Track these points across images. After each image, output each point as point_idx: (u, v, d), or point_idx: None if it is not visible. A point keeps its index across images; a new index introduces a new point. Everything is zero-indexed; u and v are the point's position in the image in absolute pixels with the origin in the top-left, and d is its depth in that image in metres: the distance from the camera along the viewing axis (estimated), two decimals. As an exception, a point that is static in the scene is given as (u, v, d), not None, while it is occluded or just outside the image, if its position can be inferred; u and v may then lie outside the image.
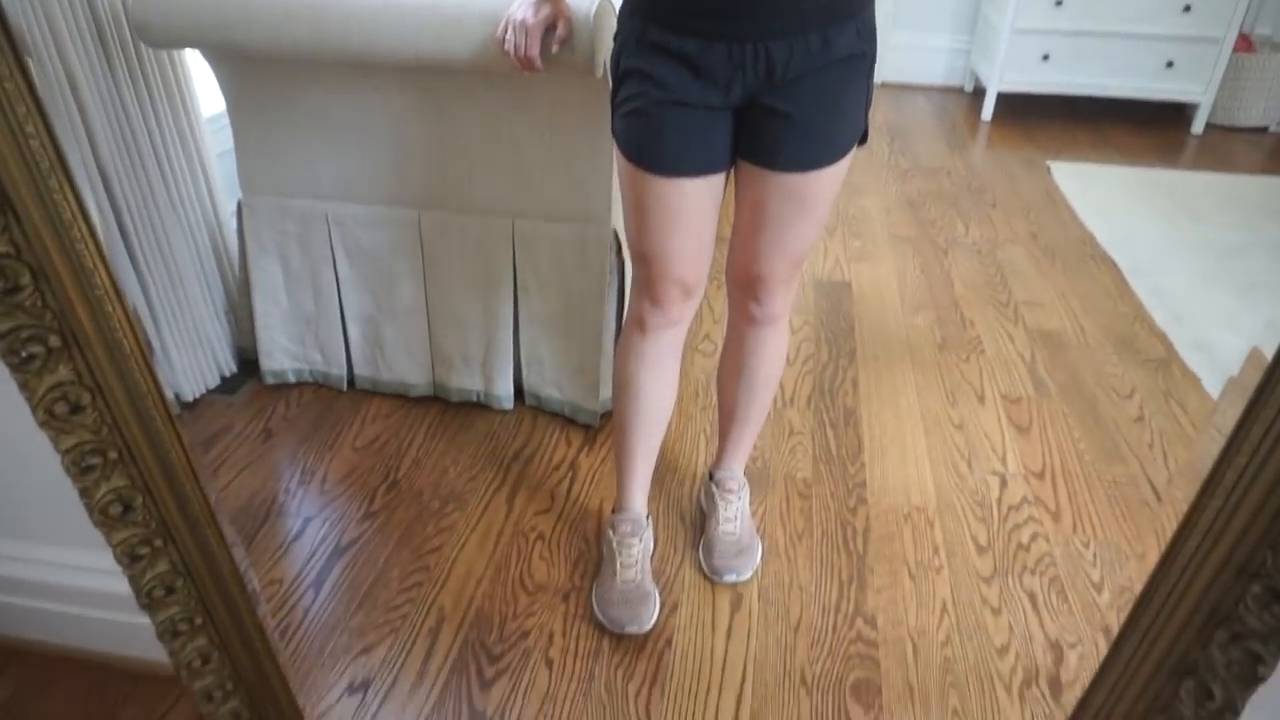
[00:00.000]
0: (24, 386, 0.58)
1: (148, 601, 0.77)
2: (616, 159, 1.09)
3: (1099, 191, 2.71)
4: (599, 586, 1.29)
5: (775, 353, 1.27)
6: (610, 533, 1.32)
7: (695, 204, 1.06)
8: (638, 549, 1.30)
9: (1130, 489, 1.57)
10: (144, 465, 0.66)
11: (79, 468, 0.63)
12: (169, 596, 0.79)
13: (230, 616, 0.83)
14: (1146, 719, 0.76)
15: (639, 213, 1.08)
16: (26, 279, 0.53)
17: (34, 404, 0.57)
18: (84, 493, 0.65)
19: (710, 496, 1.39)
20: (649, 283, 1.14)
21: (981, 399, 1.78)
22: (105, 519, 0.67)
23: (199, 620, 0.81)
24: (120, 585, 1.05)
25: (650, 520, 1.37)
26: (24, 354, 0.56)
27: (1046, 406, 1.77)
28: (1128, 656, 0.77)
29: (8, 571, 1.14)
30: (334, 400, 1.70)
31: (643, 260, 1.12)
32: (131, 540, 0.71)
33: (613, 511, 1.35)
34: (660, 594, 1.31)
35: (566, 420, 1.66)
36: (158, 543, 0.75)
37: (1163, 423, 1.73)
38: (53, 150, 0.49)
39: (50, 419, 0.58)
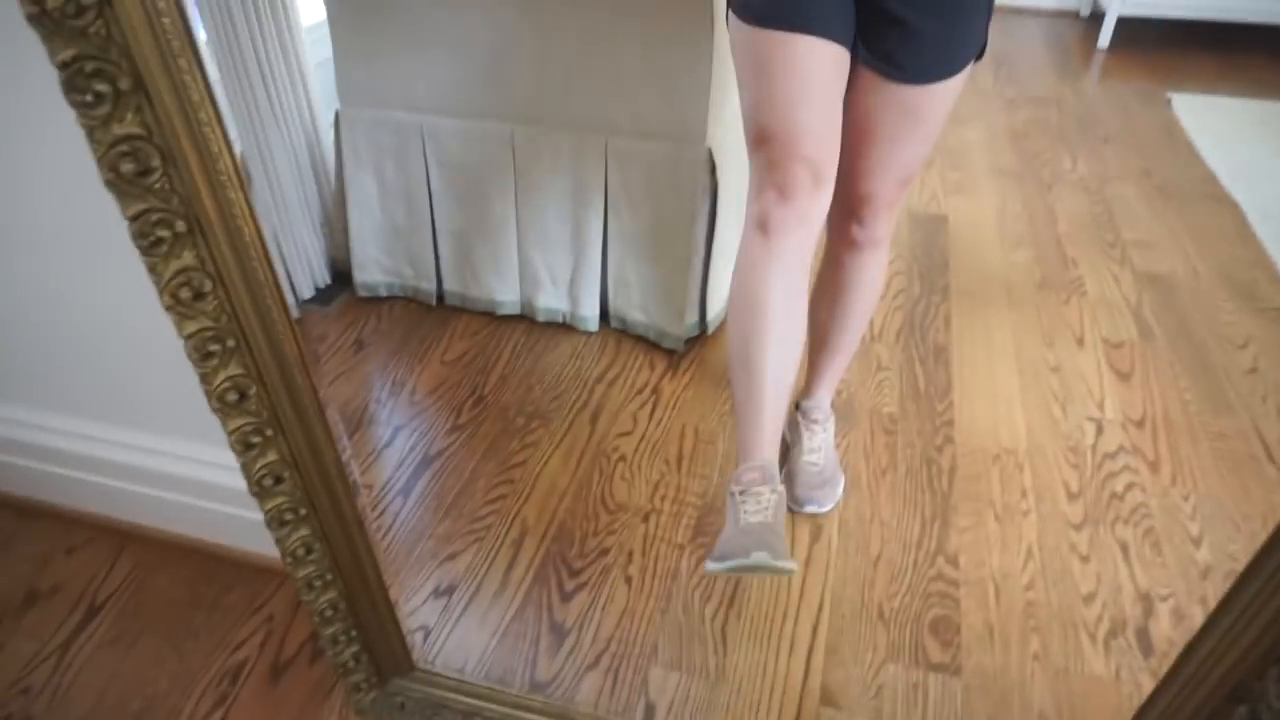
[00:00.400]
0: (152, 270, 0.59)
1: (258, 489, 0.80)
2: (734, 37, 1.02)
3: (1224, 126, 2.53)
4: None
5: (874, 279, 1.23)
6: (733, 486, 1.09)
7: (827, 70, 0.98)
8: (768, 496, 1.06)
9: (1238, 443, 1.49)
10: (259, 355, 0.67)
11: (200, 354, 0.65)
12: (277, 486, 0.82)
13: (333, 508, 0.86)
14: (1234, 696, 0.74)
15: (764, 81, 0.99)
16: (156, 161, 0.54)
17: (161, 287, 0.59)
18: (203, 379, 0.67)
19: (795, 426, 1.38)
20: (774, 166, 1.02)
21: (1081, 342, 1.71)
22: (222, 405, 0.69)
23: (304, 511, 0.85)
24: (231, 479, 1.10)
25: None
26: (153, 237, 0.57)
27: (1151, 353, 1.69)
28: (1228, 623, 0.74)
29: (129, 460, 1.21)
30: (423, 315, 1.73)
31: (766, 140, 1.02)
32: (245, 429, 0.73)
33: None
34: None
35: (651, 345, 1.65)
36: (269, 432, 0.77)
37: (1279, 376, 1.63)
38: (183, 30, 0.49)
39: (175, 303, 0.60)
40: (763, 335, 1.08)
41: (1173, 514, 1.36)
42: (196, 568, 1.27)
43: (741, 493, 1.07)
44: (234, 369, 0.67)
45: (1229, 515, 1.36)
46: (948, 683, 1.13)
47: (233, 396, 0.69)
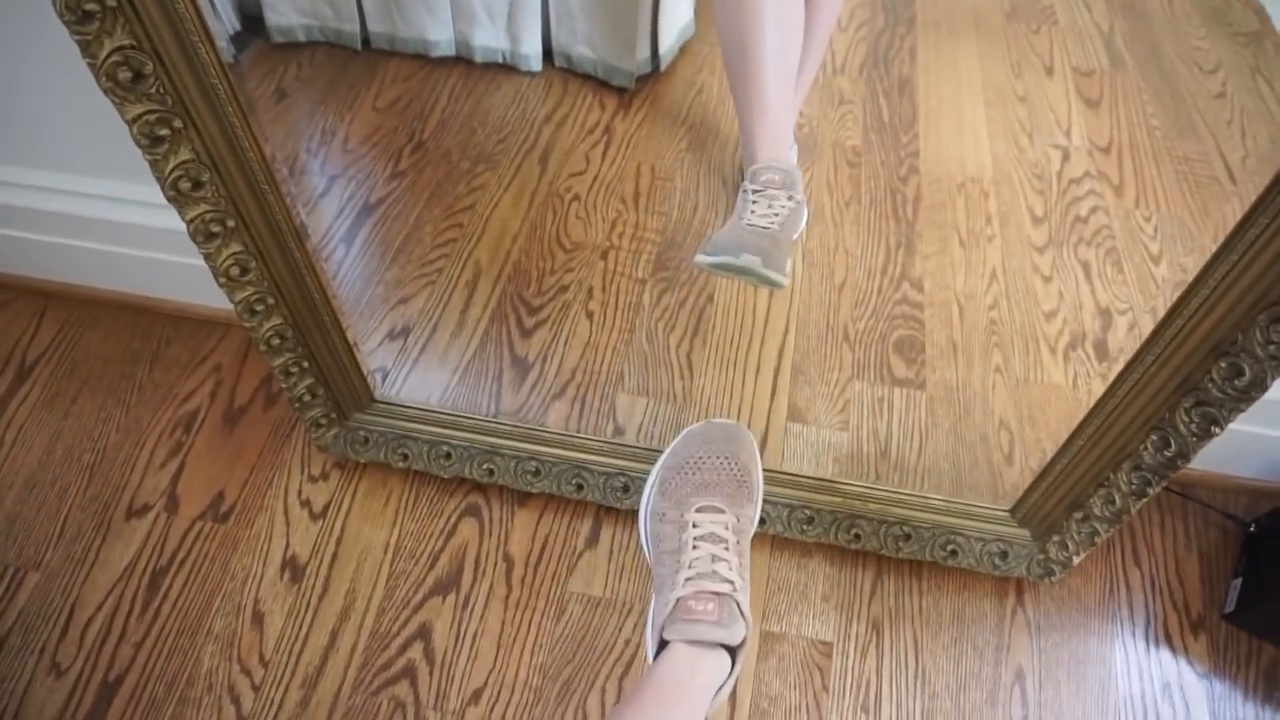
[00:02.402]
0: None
1: (173, 193, 0.72)
2: None
3: None
4: (713, 234, 1.11)
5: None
6: (747, 183, 1.01)
7: None
8: (783, 203, 0.97)
9: (1201, 166, 1.47)
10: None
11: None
12: (195, 191, 0.73)
13: (263, 219, 0.78)
14: (1180, 389, 0.75)
15: None
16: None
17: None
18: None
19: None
20: None
21: (1050, 71, 1.63)
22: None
23: (232, 223, 0.77)
24: (159, 218, 1.01)
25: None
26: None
27: (1120, 80, 1.62)
28: (1175, 330, 0.74)
29: (45, 205, 1.09)
30: (349, 60, 1.57)
31: None
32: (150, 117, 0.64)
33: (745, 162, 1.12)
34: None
35: (599, 83, 1.53)
36: (178, 123, 0.68)
37: (1246, 100, 1.59)
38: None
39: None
40: (759, 16, 0.97)
41: (1134, 234, 1.35)
42: (129, 323, 1.19)
43: (756, 192, 0.97)
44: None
45: (1189, 233, 1.35)
46: (912, 395, 1.14)
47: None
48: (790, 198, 0.98)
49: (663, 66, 1.54)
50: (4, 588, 1.00)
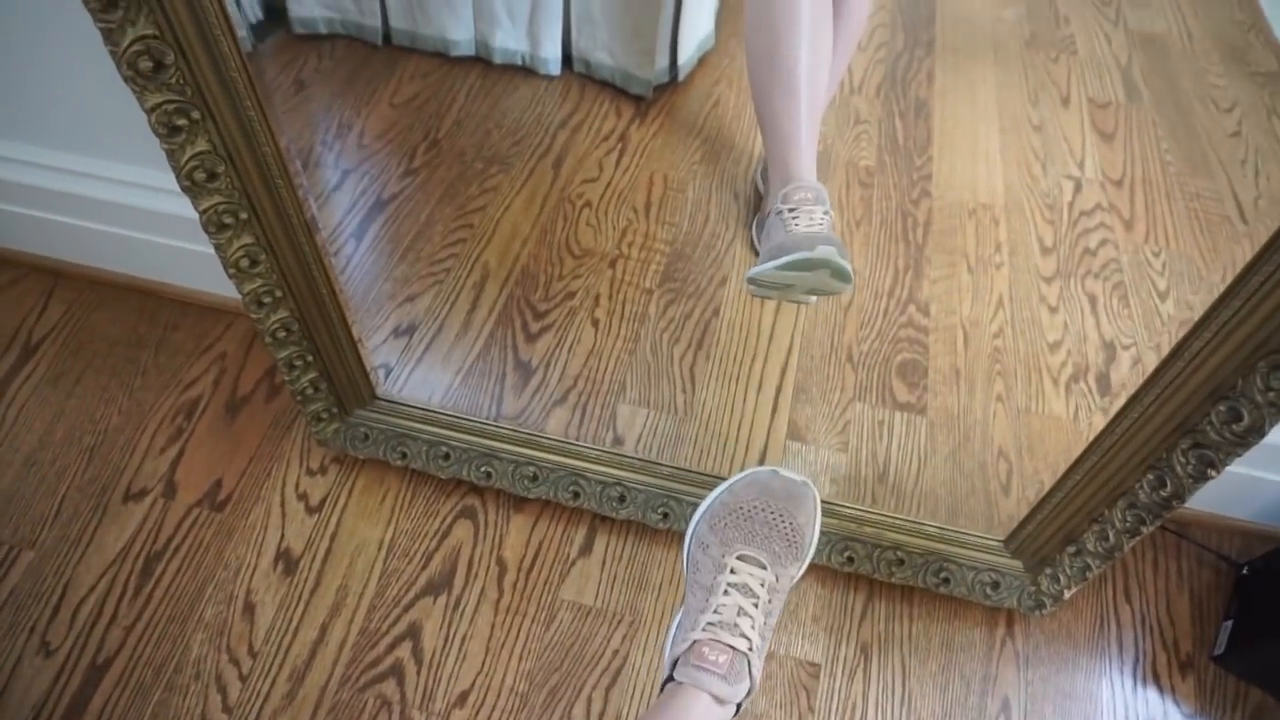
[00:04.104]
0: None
1: (188, 184, 0.72)
2: None
3: (1235, -116, 2.35)
4: (757, 215, 1.10)
5: (860, 7, 1.13)
6: (778, 204, 0.98)
7: None
8: (821, 216, 0.95)
9: (1213, 204, 1.47)
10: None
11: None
12: (211, 182, 0.74)
13: (275, 213, 0.79)
14: (1178, 430, 0.76)
15: None
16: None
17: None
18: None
19: (768, 175, 1.31)
20: None
21: (1066, 102, 1.64)
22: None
23: (244, 215, 0.77)
24: (173, 205, 1.01)
25: (754, 233, 1.18)
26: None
27: (1136, 114, 1.62)
28: (1176, 371, 0.74)
29: (60, 186, 1.09)
30: (369, 55, 1.58)
31: None
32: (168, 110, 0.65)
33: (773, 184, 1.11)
34: (717, 265, 1.27)
35: (617, 91, 1.54)
36: (196, 114, 0.69)
37: (1261, 140, 1.59)
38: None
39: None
40: (794, 28, 0.93)
41: (1142, 270, 1.35)
42: (136, 307, 1.20)
43: (791, 210, 0.95)
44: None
45: (1197, 271, 1.35)
46: (913, 420, 1.14)
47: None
48: (825, 212, 0.96)
49: (681, 77, 1.54)
50: (-2, 564, 1.00)
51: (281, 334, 0.91)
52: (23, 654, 0.95)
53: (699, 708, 0.63)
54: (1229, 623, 0.98)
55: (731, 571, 0.69)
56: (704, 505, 0.78)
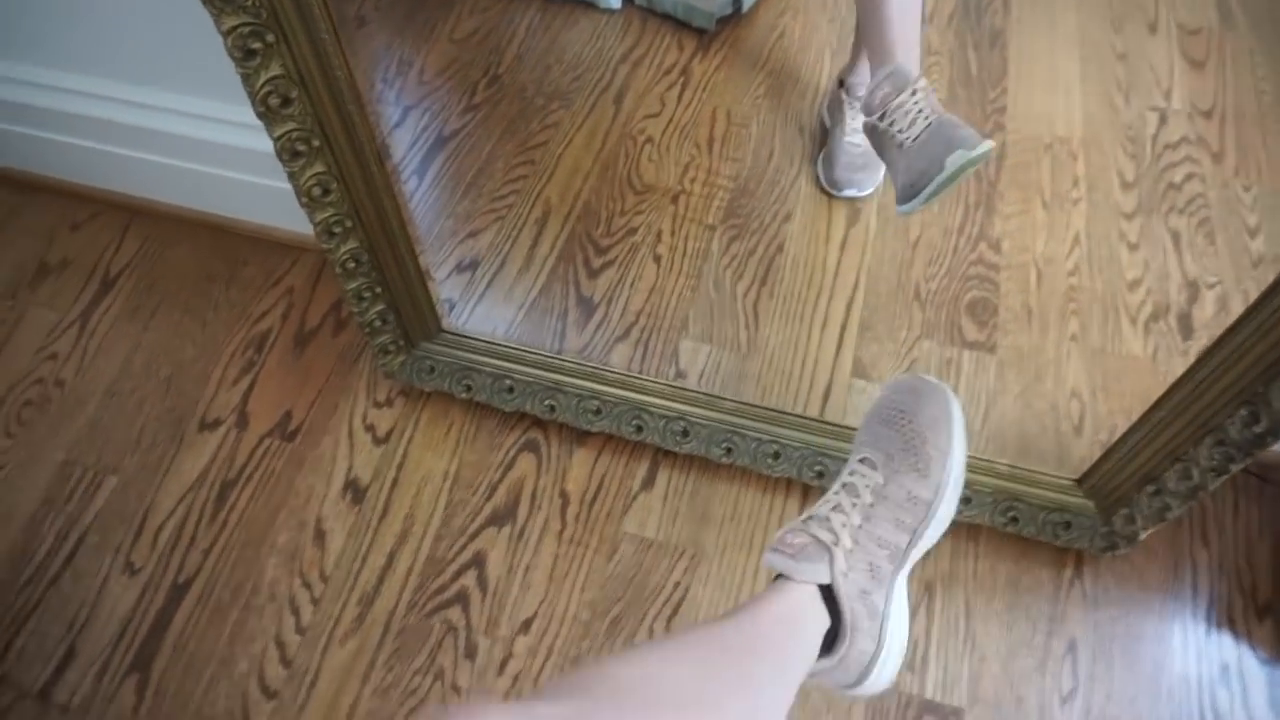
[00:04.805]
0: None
1: (266, 110, 0.72)
2: None
3: None
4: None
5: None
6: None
7: None
8: (912, 100, 0.94)
9: (1311, 136, 1.38)
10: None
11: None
12: (285, 108, 0.74)
13: (348, 142, 0.79)
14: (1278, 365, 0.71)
15: None
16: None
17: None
18: None
19: (837, 105, 1.27)
20: None
21: (1154, 28, 1.55)
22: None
23: (317, 143, 0.77)
24: (247, 139, 1.02)
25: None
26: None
27: (1230, 41, 1.53)
28: (1273, 308, 0.70)
29: (135, 120, 1.11)
30: (428, -10, 1.56)
31: None
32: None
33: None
34: (781, 201, 1.24)
35: (679, 24, 1.50)
36: (271, 37, 0.69)
37: (1366, 67, 1.49)
38: None
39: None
40: None
41: (1231, 205, 1.28)
42: (208, 242, 1.22)
43: (881, 117, 0.91)
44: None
45: (1291, 207, 1.28)
46: (982, 358, 1.11)
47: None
48: (913, 90, 0.92)
49: (744, 8, 1.49)
50: (85, 488, 1.05)
51: (351, 264, 0.92)
52: (110, 572, 1.00)
53: (775, 589, 0.61)
54: (1314, 569, 0.95)
55: (850, 473, 0.67)
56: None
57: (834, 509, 0.64)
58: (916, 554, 0.67)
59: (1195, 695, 0.90)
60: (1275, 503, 1.01)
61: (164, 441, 1.07)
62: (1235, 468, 0.79)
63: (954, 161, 0.84)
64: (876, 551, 0.64)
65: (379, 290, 0.95)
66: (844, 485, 0.66)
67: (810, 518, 0.64)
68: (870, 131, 0.97)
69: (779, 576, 0.62)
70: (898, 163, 0.92)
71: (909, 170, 0.89)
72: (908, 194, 0.90)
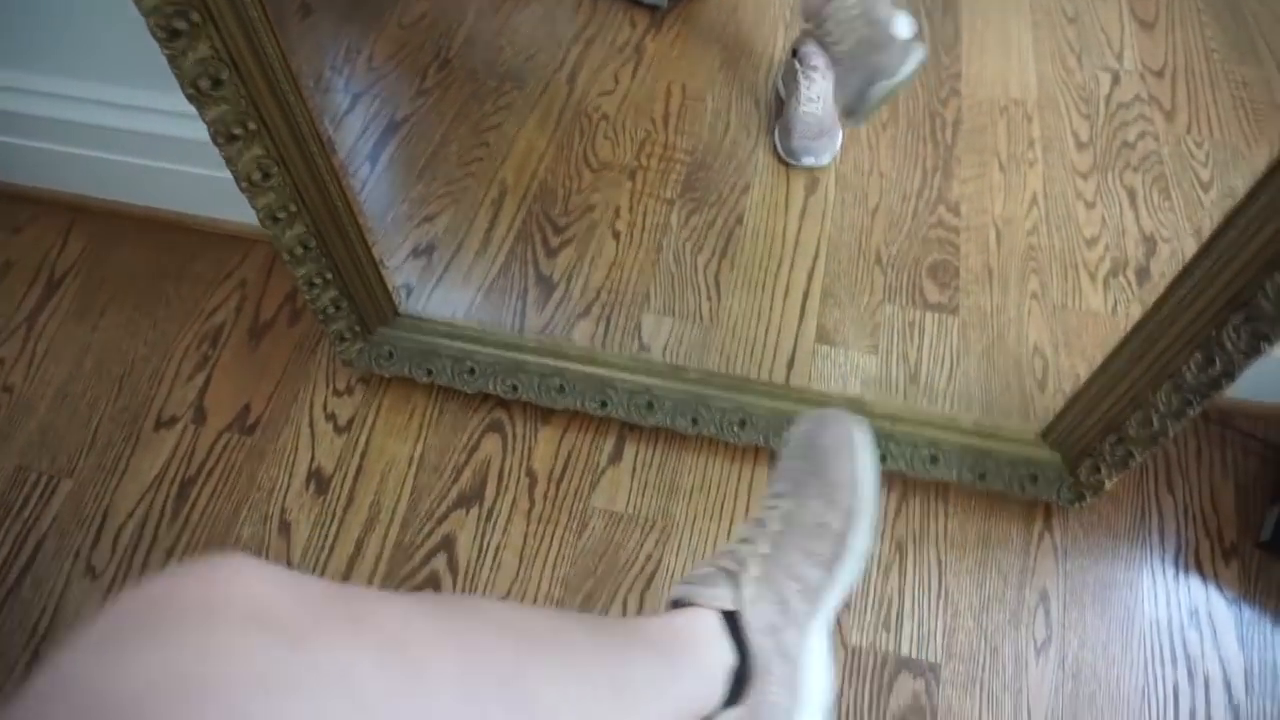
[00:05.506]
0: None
1: (196, 93, 0.70)
2: None
3: None
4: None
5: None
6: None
7: None
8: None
9: (1260, 90, 1.40)
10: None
11: None
12: (216, 90, 0.72)
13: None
14: (1229, 305, 0.72)
15: None
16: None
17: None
18: None
19: (791, 75, 1.26)
20: None
21: (1103, -10, 1.56)
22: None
23: (253, 126, 0.75)
24: (186, 129, 1.00)
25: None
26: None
27: (1179, 1, 1.54)
28: (1229, 242, 0.71)
29: (72, 115, 1.08)
30: (374, -23, 1.54)
31: None
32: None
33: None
34: (739, 173, 1.24)
35: (631, 1, 1.49)
36: (195, 16, 0.67)
37: (1311, 20, 1.50)
38: None
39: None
40: None
41: (1184, 161, 1.29)
42: (155, 238, 1.19)
43: (818, 25, 1.01)
44: None
45: (1243, 160, 1.30)
46: (944, 320, 1.11)
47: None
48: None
49: (696, -17, 1.49)
50: (40, 493, 1.02)
51: (299, 250, 0.90)
52: (70, 577, 0.97)
53: (682, 616, 0.58)
54: (1277, 507, 0.95)
55: (760, 509, 0.66)
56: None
57: (742, 540, 0.62)
58: (835, 597, 0.63)
59: (1166, 638, 0.91)
60: (1237, 448, 1.02)
61: (119, 442, 1.05)
62: (1193, 411, 0.79)
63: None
64: (787, 584, 0.60)
65: (330, 276, 0.93)
66: (752, 519, 0.64)
67: (717, 552, 0.62)
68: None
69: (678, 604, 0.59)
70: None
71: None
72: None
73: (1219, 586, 0.93)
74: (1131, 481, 1.00)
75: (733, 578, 0.59)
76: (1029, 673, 0.89)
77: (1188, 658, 0.90)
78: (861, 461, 0.67)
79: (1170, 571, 0.94)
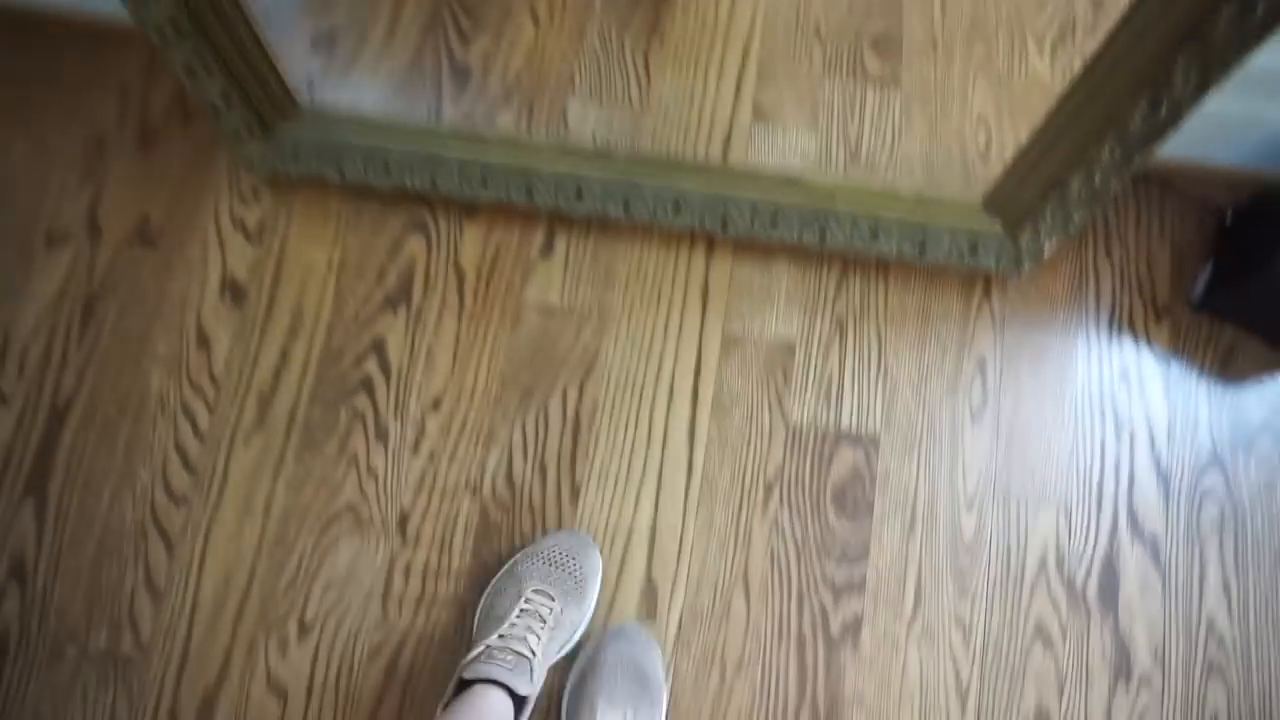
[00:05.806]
0: None
1: None
2: None
3: None
4: None
5: None
6: None
7: None
8: None
9: None
10: None
11: None
12: None
13: None
14: (1185, 36, 0.68)
15: None
16: None
17: None
18: None
19: None
20: None
21: None
22: None
23: None
24: None
25: None
26: None
27: None
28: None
29: None
30: None
31: None
32: None
33: None
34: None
35: None
36: None
37: None
38: None
39: None
40: None
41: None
42: (13, 40, 1.06)
43: None
44: None
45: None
46: (886, 94, 1.06)
47: None
48: None
49: None
50: (-70, 322, 0.95)
51: (169, 31, 0.80)
52: (-22, 405, 0.92)
53: (491, 697, 0.70)
54: (1209, 265, 0.96)
55: (526, 601, 0.79)
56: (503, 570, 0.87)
57: (529, 632, 0.76)
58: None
59: (1097, 397, 0.93)
60: (1175, 210, 1.01)
61: (10, 262, 0.97)
62: (1136, 163, 0.77)
63: None
64: (545, 663, 0.77)
65: (211, 61, 0.84)
66: (526, 611, 0.78)
67: (505, 635, 0.75)
68: None
69: (478, 681, 0.72)
70: None
71: None
72: None
73: (1150, 346, 0.95)
74: (1071, 250, 0.99)
75: (529, 664, 0.74)
76: (964, 437, 0.91)
77: (1116, 415, 0.93)
78: (596, 580, 0.86)
79: (1104, 334, 0.95)
